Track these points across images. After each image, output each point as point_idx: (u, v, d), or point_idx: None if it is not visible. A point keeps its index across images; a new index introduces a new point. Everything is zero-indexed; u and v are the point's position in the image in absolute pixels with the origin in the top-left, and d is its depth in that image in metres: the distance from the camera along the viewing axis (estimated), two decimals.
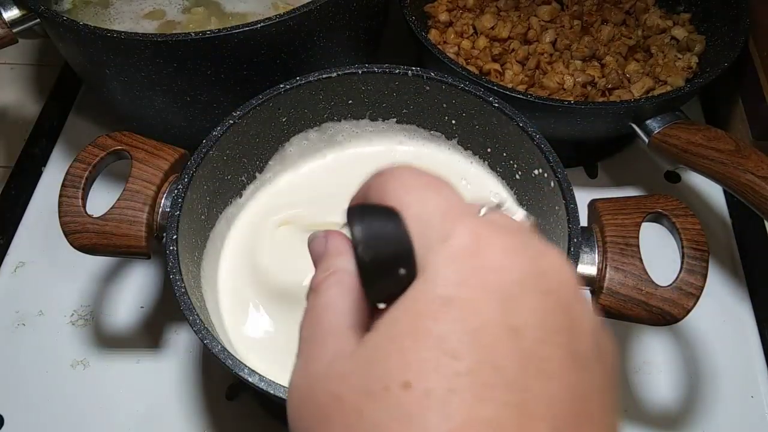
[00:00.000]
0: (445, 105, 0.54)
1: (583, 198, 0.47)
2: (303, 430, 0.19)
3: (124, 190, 0.48)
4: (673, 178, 0.69)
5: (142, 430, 0.55)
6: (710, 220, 0.66)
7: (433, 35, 0.70)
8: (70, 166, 0.49)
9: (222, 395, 0.56)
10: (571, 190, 0.46)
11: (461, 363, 0.16)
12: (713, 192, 0.68)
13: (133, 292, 0.62)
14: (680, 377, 0.57)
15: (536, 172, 0.50)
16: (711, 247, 0.45)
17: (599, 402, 0.18)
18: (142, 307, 0.61)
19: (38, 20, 0.57)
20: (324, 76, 0.52)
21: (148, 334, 0.59)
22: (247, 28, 0.51)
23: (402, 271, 0.19)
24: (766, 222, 0.63)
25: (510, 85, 0.65)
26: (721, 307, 0.60)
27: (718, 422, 0.54)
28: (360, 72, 0.53)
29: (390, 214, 0.20)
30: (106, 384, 0.57)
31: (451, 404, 0.16)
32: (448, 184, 0.21)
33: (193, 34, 0.51)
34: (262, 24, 0.51)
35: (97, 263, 0.62)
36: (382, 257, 0.19)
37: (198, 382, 0.57)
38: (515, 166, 0.53)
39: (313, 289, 0.23)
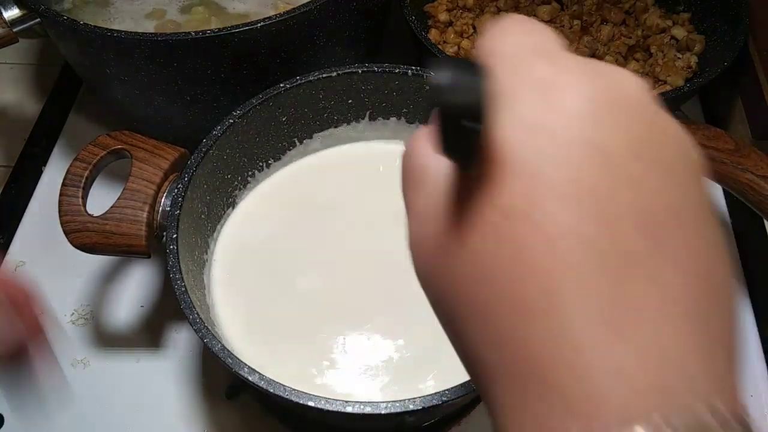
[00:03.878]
0: None
1: None
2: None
3: (124, 189, 0.48)
4: None
5: (142, 429, 0.55)
6: None
7: (433, 35, 0.71)
8: (71, 166, 0.49)
9: (222, 395, 0.56)
10: None
11: (554, 179, 0.17)
12: (713, 192, 0.68)
13: (134, 291, 0.62)
14: None
15: None
16: None
17: (690, 210, 0.18)
18: (142, 306, 0.61)
19: (39, 20, 0.57)
20: (324, 75, 0.53)
21: (149, 334, 0.59)
22: (247, 28, 0.51)
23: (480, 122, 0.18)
24: (766, 222, 0.63)
25: None
26: None
27: None
28: (360, 71, 0.53)
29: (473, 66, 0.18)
30: (106, 383, 0.57)
31: (552, 215, 0.17)
32: (545, 28, 0.21)
33: (193, 34, 0.51)
34: (262, 23, 0.51)
35: (97, 262, 0.62)
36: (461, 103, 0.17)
37: (198, 381, 0.57)
38: None
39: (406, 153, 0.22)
